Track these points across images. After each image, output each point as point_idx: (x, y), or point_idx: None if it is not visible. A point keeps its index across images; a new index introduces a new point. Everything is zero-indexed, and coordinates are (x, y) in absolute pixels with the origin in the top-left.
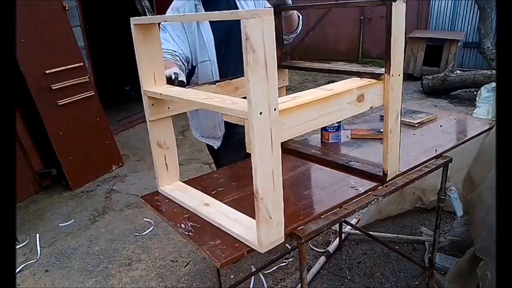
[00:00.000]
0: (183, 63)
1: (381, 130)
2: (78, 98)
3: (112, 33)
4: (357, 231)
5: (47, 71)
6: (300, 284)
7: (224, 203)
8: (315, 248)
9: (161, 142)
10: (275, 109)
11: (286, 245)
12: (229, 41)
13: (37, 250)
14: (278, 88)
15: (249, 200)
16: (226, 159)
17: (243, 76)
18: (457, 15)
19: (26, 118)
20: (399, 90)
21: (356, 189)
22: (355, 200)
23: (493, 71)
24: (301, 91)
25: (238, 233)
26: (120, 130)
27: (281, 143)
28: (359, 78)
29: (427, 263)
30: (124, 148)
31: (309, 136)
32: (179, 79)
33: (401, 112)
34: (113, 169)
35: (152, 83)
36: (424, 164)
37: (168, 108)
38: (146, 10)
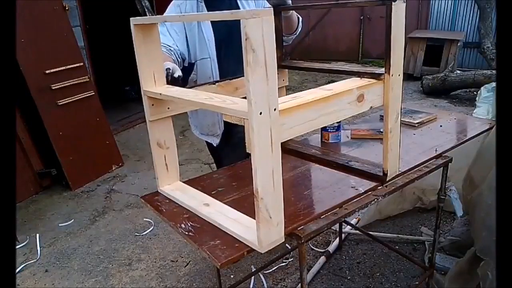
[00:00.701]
0: (177, 58)
1: (381, 130)
2: (78, 98)
3: (112, 33)
4: (357, 231)
5: (47, 71)
6: (300, 284)
7: (224, 203)
8: (315, 248)
9: (161, 142)
10: (275, 109)
11: (286, 245)
12: (229, 40)
13: (37, 250)
14: (278, 88)
15: (249, 200)
16: (227, 158)
17: (243, 75)
18: (457, 15)
19: (26, 118)
20: (399, 90)
21: (356, 189)
22: (355, 200)
23: (493, 71)
24: (301, 91)
25: (238, 233)
26: (120, 130)
27: (281, 143)
28: (359, 78)
29: (427, 263)
30: (124, 148)
31: (309, 136)
32: (174, 75)
33: (401, 112)
34: (113, 169)
35: (152, 83)
36: (424, 164)
37: (168, 108)
38: (146, 10)
